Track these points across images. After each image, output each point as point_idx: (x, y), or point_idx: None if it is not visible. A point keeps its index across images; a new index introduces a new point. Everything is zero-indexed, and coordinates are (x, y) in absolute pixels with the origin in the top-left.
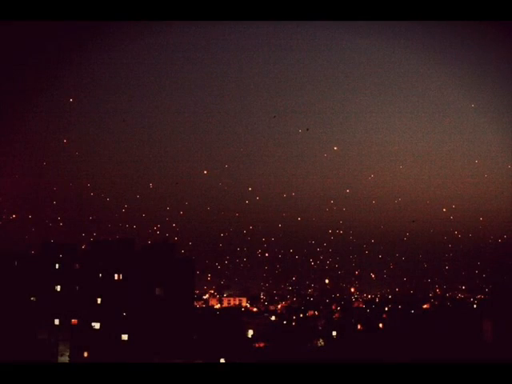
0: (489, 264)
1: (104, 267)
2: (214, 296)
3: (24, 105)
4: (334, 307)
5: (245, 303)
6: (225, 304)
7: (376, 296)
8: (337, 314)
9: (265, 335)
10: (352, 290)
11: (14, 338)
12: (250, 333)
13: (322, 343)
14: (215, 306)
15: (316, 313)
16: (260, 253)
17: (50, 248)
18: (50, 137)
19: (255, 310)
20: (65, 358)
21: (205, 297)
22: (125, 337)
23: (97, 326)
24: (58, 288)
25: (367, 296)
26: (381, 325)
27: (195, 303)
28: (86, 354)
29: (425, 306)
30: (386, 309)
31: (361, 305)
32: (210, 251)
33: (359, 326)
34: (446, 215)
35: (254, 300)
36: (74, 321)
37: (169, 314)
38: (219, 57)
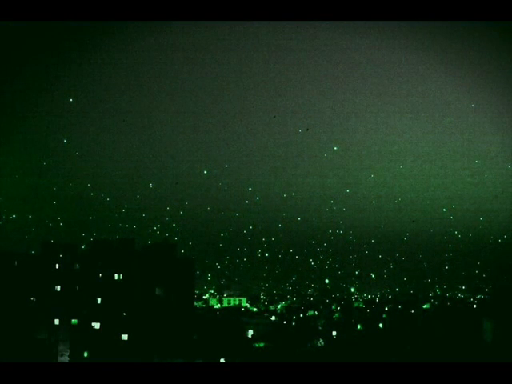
0: (489, 264)
1: (104, 267)
2: (214, 296)
3: (24, 105)
4: (333, 307)
5: (245, 303)
6: (225, 304)
7: (376, 296)
8: (337, 314)
9: (265, 335)
10: (352, 289)
11: (14, 338)
12: (250, 333)
13: (322, 343)
14: (215, 306)
15: (316, 313)
16: (260, 253)
17: (50, 248)
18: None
19: (255, 309)
20: (65, 358)
21: (205, 297)
22: (125, 337)
23: (97, 326)
24: (58, 288)
25: (367, 296)
26: (381, 325)
27: (195, 303)
28: (85, 354)
29: (425, 306)
30: (386, 309)
31: (361, 305)
32: (210, 251)
33: (359, 326)
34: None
35: (253, 300)
36: (74, 321)
37: (169, 314)
38: (219, 57)
